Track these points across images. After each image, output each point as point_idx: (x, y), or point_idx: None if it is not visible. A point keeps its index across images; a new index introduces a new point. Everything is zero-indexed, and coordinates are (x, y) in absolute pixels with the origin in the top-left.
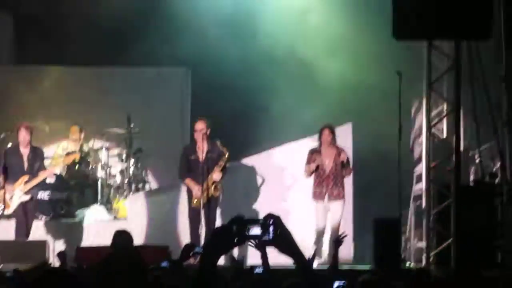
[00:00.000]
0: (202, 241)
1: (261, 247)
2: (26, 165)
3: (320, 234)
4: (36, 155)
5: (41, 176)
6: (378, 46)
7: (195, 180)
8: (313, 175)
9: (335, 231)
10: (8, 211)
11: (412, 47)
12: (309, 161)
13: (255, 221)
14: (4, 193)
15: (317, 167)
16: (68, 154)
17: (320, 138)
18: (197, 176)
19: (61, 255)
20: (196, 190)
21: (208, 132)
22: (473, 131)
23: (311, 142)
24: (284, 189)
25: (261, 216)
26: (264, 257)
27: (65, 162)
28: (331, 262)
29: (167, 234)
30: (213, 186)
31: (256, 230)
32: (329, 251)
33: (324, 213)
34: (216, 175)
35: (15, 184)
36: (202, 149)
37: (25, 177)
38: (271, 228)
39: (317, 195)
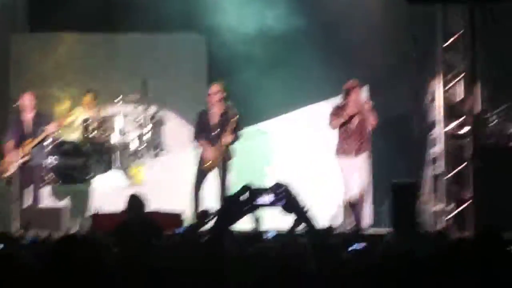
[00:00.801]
0: (207, 205)
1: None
2: (29, 130)
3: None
4: (40, 119)
5: (40, 137)
6: (394, 10)
7: (208, 143)
8: (338, 130)
9: (362, 190)
10: (5, 174)
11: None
12: (336, 114)
13: (264, 190)
14: (4, 158)
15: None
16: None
17: (346, 98)
18: (209, 139)
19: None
20: (208, 152)
21: (223, 96)
22: (487, 94)
23: (325, 106)
24: (300, 155)
25: (272, 182)
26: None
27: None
28: (353, 225)
29: (183, 200)
30: (224, 149)
31: (265, 199)
32: (346, 212)
33: (352, 172)
34: (226, 139)
35: (17, 149)
36: (216, 112)
37: (28, 142)
38: (281, 196)
39: (344, 151)
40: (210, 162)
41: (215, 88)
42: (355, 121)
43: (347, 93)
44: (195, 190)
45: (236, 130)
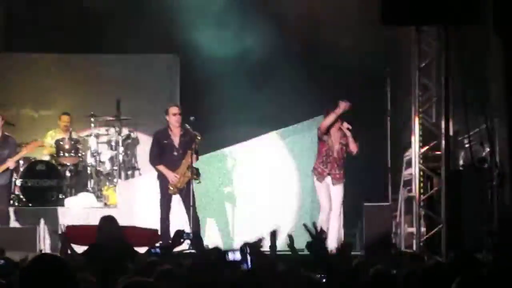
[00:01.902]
0: (171, 228)
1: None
2: None
3: (326, 214)
4: (6, 143)
5: (4, 166)
6: (366, 31)
7: (168, 166)
8: (319, 153)
9: (339, 215)
10: None
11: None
12: (320, 139)
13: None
14: None
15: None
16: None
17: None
18: (170, 162)
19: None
20: (172, 176)
21: (181, 117)
22: (462, 116)
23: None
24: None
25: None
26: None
27: (28, 150)
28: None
29: (156, 221)
30: (188, 170)
31: (235, 255)
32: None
33: (327, 193)
34: (191, 159)
35: None
36: (176, 134)
37: None
38: (248, 257)
39: (319, 173)
40: (175, 185)
41: (176, 109)
42: (334, 149)
43: (326, 116)
44: (163, 217)
45: (197, 151)
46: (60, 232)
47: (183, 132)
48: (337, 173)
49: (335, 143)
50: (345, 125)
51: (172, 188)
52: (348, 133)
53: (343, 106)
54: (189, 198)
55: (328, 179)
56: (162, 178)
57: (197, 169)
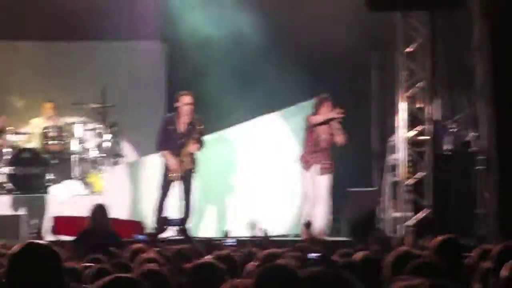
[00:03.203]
0: (169, 213)
1: None
2: None
3: (309, 202)
4: None
5: None
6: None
7: (172, 152)
8: (307, 142)
9: (325, 205)
10: None
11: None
12: (308, 129)
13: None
14: None
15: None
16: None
17: (318, 109)
18: (174, 148)
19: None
20: (173, 162)
21: (193, 107)
22: (447, 100)
23: (287, 114)
24: (261, 163)
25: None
26: None
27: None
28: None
29: (143, 208)
30: (189, 158)
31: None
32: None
33: (311, 182)
34: (191, 148)
35: None
36: (184, 122)
37: None
38: None
39: (306, 163)
40: (175, 172)
41: (188, 98)
42: (322, 140)
43: (318, 106)
44: (160, 200)
45: (200, 140)
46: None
47: (190, 121)
48: (326, 163)
49: (323, 132)
50: (335, 113)
51: (172, 175)
52: (337, 125)
53: (336, 112)
54: (187, 186)
55: (315, 168)
56: (165, 163)
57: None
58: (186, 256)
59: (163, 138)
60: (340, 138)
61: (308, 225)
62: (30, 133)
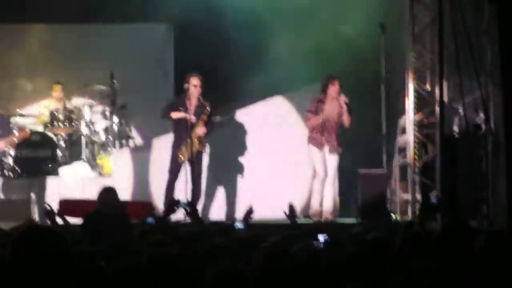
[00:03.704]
0: (177, 195)
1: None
2: None
3: (321, 180)
4: None
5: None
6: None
7: (180, 134)
8: (313, 123)
9: (333, 185)
10: None
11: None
12: (313, 110)
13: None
14: None
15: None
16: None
17: (325, 90)
18: (183, 130)
19: (49, 214)
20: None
21: (201, 90)
22: (456, 83)
23: (296, 96)
24: (272, 145)
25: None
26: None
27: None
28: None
29: (151, 190)
30: (198, 140)
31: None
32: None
33: (323, 160)
34: (199, 130)
35: None
36: (193, 104)
37: None
38: None
39: (317, 143)
40: (182, 156)
41: (197, 81)
42: (331, 119)
43: (325, 88)
44: (170, 182)
45: (209, 123)
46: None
47: (199, 103)
48: (335, 142)
49: (331, 113)
50: (342, 98)
51: (182, 157)
52: (344, 107)
53: (340, 100)
54: (196, 168)
55: (326, 147)
56: (174, 145)
57: (202, 141)
58: (196, 238)
59: (170, 109)
60: (346, 118)
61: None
62: (39, 115)
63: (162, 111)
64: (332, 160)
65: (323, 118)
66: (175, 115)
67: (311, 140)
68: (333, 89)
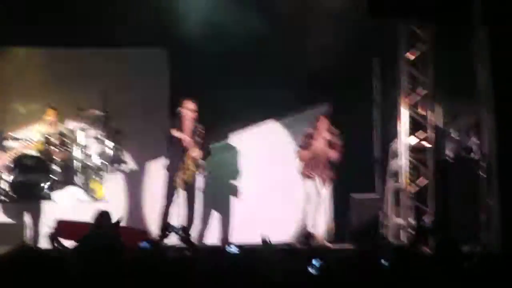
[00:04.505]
0: (171, 220)
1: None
2: None
3: (314, 205)
4: None
5: None
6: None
7: (175, 158)
8: (305, 158)
9: (327, 213)
10: None
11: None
12: (303, 146)
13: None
14: None
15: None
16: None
17: (316, 124)
18: (177, 154)
19: (52, 236)
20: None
21: (196, 114)
22: (449, 107)
23: (289, 121)
24: (267, 166)
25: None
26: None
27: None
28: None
29: (144, 215)
30: (193, 163)
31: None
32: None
33: (316, 187)
34: (194, 153)
35: None
36: (188, 129)
37: None
38: None
39: (308, 177)
40: (180, 177)
41: (192, 105)
42: (321, 154)
43: (315, 124)
44: (165, 207)
45: (203, 146)
46: (50, 232)
47: (193, 129)
48: (326, 176)
49: (320, 148)
50: (326, 135)
51: (178, 181)
52: (334, 140)
53: (329, 132)
54: (190, 193)
55: (317, 180)
56: (169, 169)
57: (199, 163)
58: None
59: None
60: (333, 155)
61: (307, 236)
62: (32, 139)
63: (162, 127)
64: (325, 191)
65: (312, 153)
66: (175, 132)
67: (303, 174)
68: (320, 124)
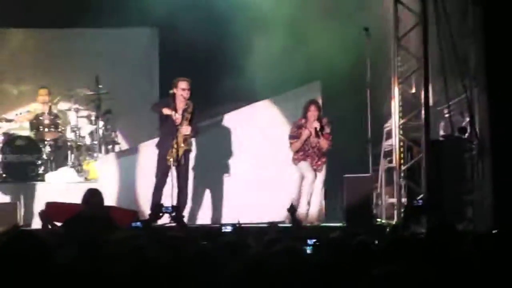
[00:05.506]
0: (166, 200)
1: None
2: None
3: (309, 182)
4: None
5: None
6: (346, 3)
7: (167, 135)
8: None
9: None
10: None
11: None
12: (294, 135)
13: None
14: None
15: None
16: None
17: (306, 114)
18: (169, 131)
19: (42, 217)
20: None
21: (189, 94)
22: (441, 86)
23: (281, 100)
24: (257, 148)
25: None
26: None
27: (28, 118)
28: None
29: (137, 195)
30: (183, 140)
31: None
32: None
33: (309, 169)
34: (184, 129)
35: None
36: (180, 107)
37: None
38: None
39: (299, 161)
40: (172, 156)
41: (186, 84)
42: (312, 142)
43: (304, 113)
44: (157, 187)
45: (194, 123)
46: (40, 210)
47: (186, 107)
48: (318, 163)
49: (310, 138)
50: (315, 124)
51: (170, 159)
52: (325, 129)
53: (318, 122)
54: (182, 172)
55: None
56: (161, 148)
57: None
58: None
59: (162, 104)
60: (323, 143)
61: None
62: (24, 120)
63: (152, 105)
64: (319, 177)
65: (303, 143)
66: (165, 111)
67: (295, 161)
68: (310, 114)
